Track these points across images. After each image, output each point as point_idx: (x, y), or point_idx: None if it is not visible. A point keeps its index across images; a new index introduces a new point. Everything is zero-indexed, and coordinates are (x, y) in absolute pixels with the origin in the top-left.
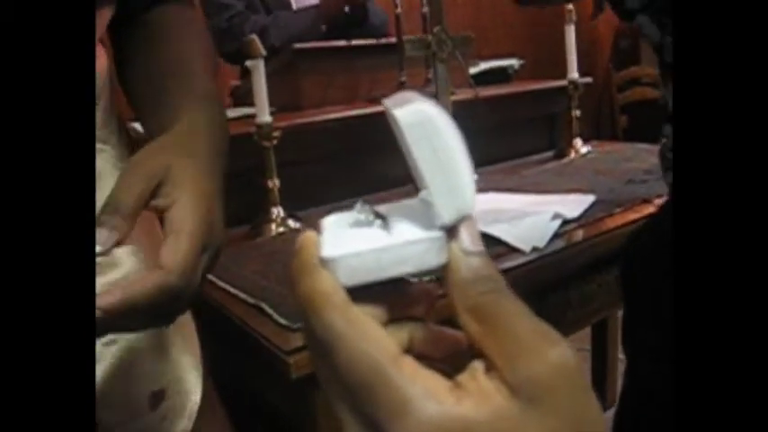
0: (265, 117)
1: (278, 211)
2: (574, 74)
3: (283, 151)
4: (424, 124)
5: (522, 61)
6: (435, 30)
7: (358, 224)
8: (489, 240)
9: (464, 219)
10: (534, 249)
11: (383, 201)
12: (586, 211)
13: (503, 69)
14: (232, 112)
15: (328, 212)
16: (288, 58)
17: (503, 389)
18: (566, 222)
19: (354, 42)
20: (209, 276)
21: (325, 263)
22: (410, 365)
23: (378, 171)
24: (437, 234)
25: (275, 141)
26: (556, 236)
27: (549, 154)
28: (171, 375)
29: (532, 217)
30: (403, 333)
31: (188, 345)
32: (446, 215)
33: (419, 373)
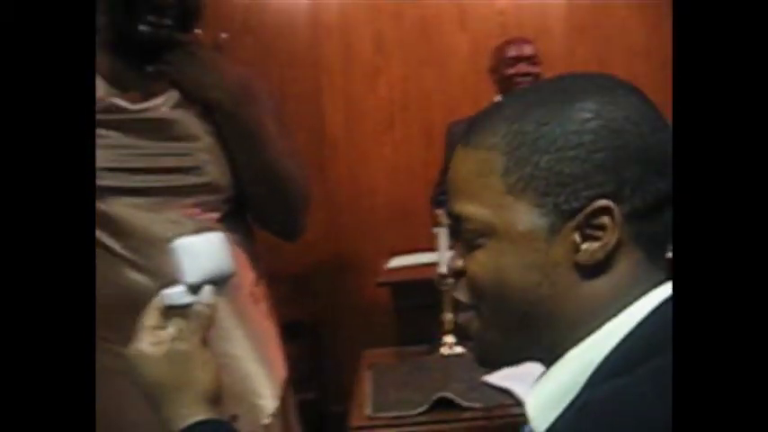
0: (443, 269)
1: (448, 339)
2: None
3: None
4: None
5: None
6: None
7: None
8: None
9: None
10: None
11: None
12: None
13: None
14: (427, 257)
15: None
16: None
17: None
18: None
19: None
20: None
21: None
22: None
23: None
24: None
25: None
26: None
27: None
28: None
29: None
30: None
31: (267, 366)
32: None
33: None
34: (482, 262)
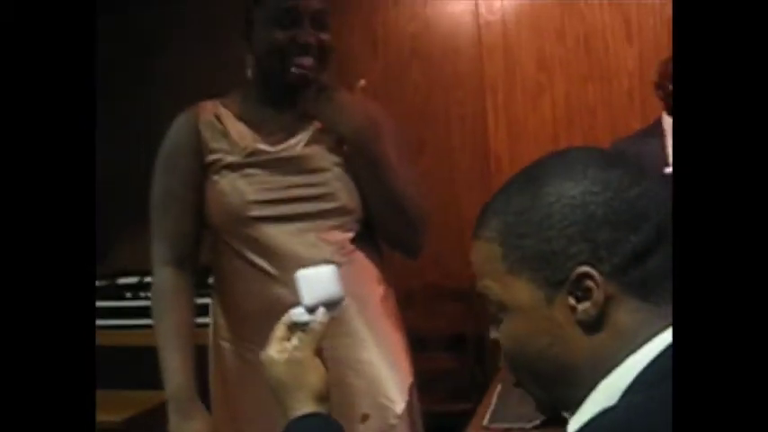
0: None
1: None
2: None
3: None
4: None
5: None
6: None
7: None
8: None
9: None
10: None
11: None
12: None
13: None
14: None
15: None
16: None
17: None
18: None
19: None
20: None
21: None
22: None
23: None
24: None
25: None
26: None
27: None
28: (376, 401)
29: None
30: None
31: (396, 372)
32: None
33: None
34: (505, 334)
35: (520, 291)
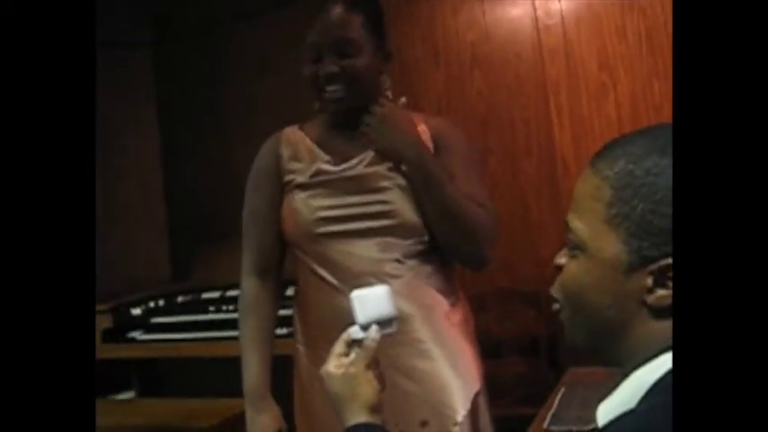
0: None
1: None
2: None
3: None
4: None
5: None
6: None
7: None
8: None
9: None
10: None
11: None
12: None
13: None
14: None
15: None
16: None
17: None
18: None
19: None
20: None
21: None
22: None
23: None
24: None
25: None
26: None
27: None
28: (435, 408)
29: None
30: None
31: (460, 380)
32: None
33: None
34: (572, 271)
35: (608, 245)
